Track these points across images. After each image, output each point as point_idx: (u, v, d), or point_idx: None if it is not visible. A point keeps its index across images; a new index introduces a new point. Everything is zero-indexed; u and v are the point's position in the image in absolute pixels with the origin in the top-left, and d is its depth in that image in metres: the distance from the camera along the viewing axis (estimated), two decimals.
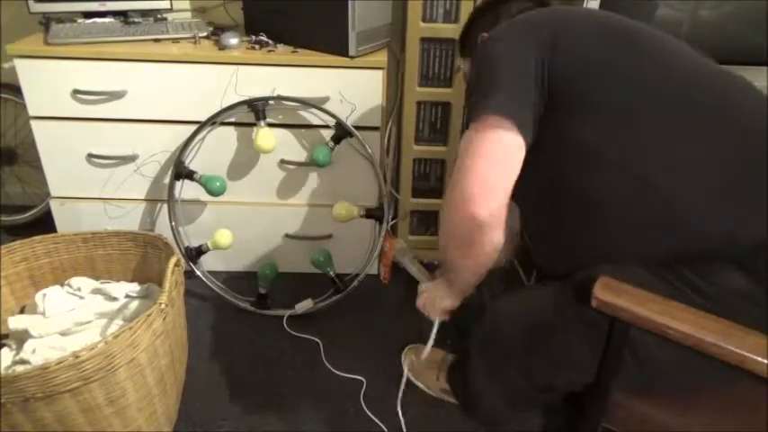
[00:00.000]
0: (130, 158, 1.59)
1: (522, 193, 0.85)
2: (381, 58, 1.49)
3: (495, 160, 0.83)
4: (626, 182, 0.80)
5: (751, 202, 0.76)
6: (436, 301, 1.09)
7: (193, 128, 1.52)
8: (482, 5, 1.12)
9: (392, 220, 1.75)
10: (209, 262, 1.68)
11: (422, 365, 1.36)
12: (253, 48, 1.53)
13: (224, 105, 1.50)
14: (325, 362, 1.42)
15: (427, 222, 1.79)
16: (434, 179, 1.72)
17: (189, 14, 1.78)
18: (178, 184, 1.57)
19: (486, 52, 0.90)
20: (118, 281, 1.30)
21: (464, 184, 0.83)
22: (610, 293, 0.67)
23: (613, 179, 0.81)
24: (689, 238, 0.77)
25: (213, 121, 1.52)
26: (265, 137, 1.48)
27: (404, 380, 1.33)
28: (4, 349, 1.15)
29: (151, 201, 1.66)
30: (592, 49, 0.86)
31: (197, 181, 1.54)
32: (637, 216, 0.80)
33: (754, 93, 0.85)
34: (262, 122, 1.49)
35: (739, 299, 0.74)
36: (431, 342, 1.17)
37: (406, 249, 1.40)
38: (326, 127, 1.54)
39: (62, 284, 1.28)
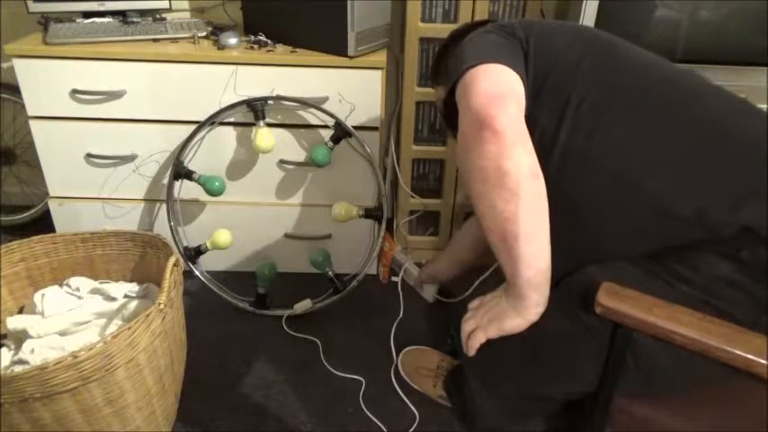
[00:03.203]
0: (129, 158, 1.59)
1: None
2: (380, 58, 1.49)
3: (494, 76, 0.80)
4: (606, 180, 0.80)
5: (732, 190, 0.76)
6: (503, 323, 0.82)
7: (192, 128, 1.51)
8: (454, 33, 1.12)
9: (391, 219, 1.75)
10: (207, 262, 1.68)
11: (418, 372, 1.35)
12: (252, 48, 1.53)
13: (223, 105, 1.50)
14: (324, 362, 1.42)
15: (426, 222, 1.79)
16: (433, 179, 1.73)
17: (188, 14, 1.78)
18: (177, 183, 1.57)
19: (462, 45, 0.89)
20: (116, 281, 1.30)
21: (472, 110, 0.77)
22: (614, 299, 0.67)
23: (594, 179, 0.81)
24: (672, 230, 0.77)
25: (212, 120, 1.51)
26: (264, 137, 1.48)
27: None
28: (3, 349, 1.15)
29: (150, 201, 1.66)
30: (565, 52, 0.87)
31: (196, 181, 1.54)
32: (620, 214, 0.80)
33: (723, 93, 0.85)
34: (261, 122, 1.49)
35: (727, 287, 0.74)
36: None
37: (406, 251, 1.40)
38: (326, 127, 1.54)
39: (61, 284, 1.28)
